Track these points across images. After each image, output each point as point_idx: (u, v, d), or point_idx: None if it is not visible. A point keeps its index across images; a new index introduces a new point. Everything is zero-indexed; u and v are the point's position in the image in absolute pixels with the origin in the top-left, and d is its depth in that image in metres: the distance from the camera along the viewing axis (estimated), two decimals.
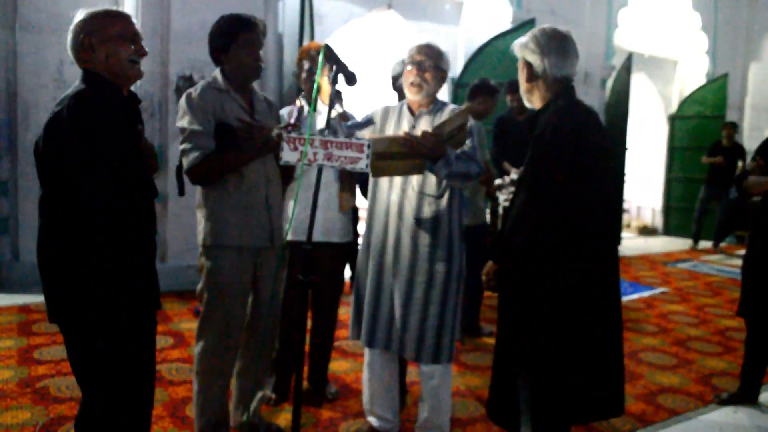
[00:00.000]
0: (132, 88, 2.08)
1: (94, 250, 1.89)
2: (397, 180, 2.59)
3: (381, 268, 2.64)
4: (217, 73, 2.59)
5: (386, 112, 2.73)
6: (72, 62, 1.99)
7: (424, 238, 2.56)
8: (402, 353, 2.64)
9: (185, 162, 2.48)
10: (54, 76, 5.07)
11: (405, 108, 2.70)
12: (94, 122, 1.84)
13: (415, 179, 2.57)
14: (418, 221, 2.56)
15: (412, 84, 2.59)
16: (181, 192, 2.62)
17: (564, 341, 2.21)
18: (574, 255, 2.20)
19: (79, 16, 1.96)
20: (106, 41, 1.93)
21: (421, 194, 2.57)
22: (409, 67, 2.61)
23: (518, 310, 2.29)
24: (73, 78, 2.00)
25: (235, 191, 2.53)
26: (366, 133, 2.66)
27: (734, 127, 8.93)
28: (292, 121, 2.40)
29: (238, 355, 2.72)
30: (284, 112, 3.15)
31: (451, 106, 2.66)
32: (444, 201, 2.57)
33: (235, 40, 2.51)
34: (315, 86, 2.15)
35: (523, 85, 2.41)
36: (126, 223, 1.94)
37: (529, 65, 2.35)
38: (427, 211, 2.56)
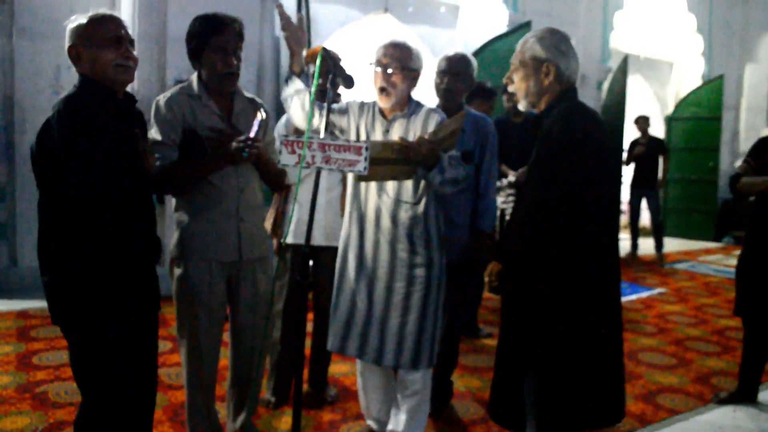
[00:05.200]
0: (130, 92, 2.08)
1: (90, 252, 1.90)
2: (372, 187, 2.51)
3: (359, 276, 2.55)
4: (193, 77, 2.45)
5: (362, 108, 2.59)
6: (69, 67, 2.01)
7: (403, 244, 2.49)
8: (379, 362, 2.55)
9: None
10: (51, 81, 5.07)
11: (377, 109, 2.56)
12: (81, 126, 1.86)
13: (390, 186, 2.49)
14: (395, 227, 2.49)
15: (379, 90, 2.47)
16: (160, 200, 2.53)
17: (569, 344, 2.21)
18: (581, 256, 2.20)
19: (71, 23, 1.99)
20: (91, 47, 1.95)
21: (397, 201, 2.49)
22: (376, 70, 2.47)
23: (524, 312, 2.27)
24: (70, 83, 2.02)
25: (203, 201, 2.41)
26: (343, 124, 2.58)
27: (646, 121, 8.21)
28: (252, 134, 2.26)
29: (230, 365, 2.66)
30: (285, 119, 3.15)
31: (426, 107, 2.56)
32: (421, 207, 2.49)
33: (206, 44, 2.34)
34: (313, 89, 2.16)
35: (535, 86, 2.33)
36: (121, 224, 1.95)
37: (552, 66, 2.28)
38: (404, 218, 2.48)
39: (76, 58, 1.98)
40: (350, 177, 2.60)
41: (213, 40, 2.33)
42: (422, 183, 2.47)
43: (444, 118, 2.53)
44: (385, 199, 2.50)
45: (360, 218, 2.56)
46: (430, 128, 2.45)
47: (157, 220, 2.21)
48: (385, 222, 2.50)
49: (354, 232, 2.57)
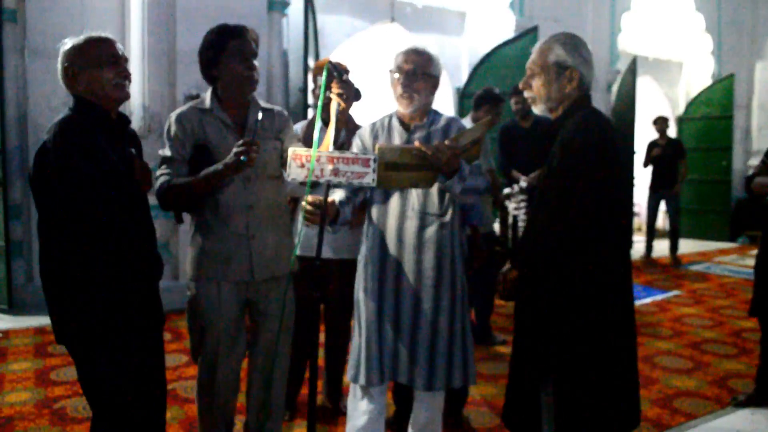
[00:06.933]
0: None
1: (88, 272, 1.94)
2: (395, 201, 2.41)
3: (381, 298, 2.40)
4: (207, 93, 2.43)
5: (373, 129, 2.51)
6: None
7: (428, 262, 2.36)
8: (412, 384, 2.40)
9: (156, 188, 2.32)
10: (64, 100, 5.07)
11: (395, 121, 2.49)
12: (77, 147, 1.89)
13: (415, 199, 2.38)
14: (421, 244, 2.37)
15: (401, 96, 2.38)
16: (178, 219, 2.49)
17: (588, 351, 2.20)
18: (601, 263, 2.20)
19: (64, 46, 2.03)
20: (88, 68, 1.99)
21: (423, 214, 2.38)
22: (396, 77, 2.39)
23: (542, 319, 2.25)
24: None
25: (212, 219, 2.37)
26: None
27: (665, 122, 8.04)
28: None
29: (247, 386, 2.60)
30: (297, 127, 3.17)
31: (446, 116, 2.50)
32: (447, 218, 2.40)
33: (225, 49, 2.33)
34: (320, 103, 2.18)
35: (557, 92, 2.28)
36: (119, 243, 1.98)
37: (576, 72, 2.25)
38: (430, 232, 2.37)
39: (71, 79, 2.01)
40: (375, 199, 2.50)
41: (232, 44, 2.34)
42: (447, 194, 2.38)
43: (464, 126, 2.48)
44: (410, 214, 2.39)
45: (378, 238, 2.44)
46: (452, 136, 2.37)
47: (171, 238, 2.24)
48: (410, 240, 2.38)
49: (373, 254, 2.44)
